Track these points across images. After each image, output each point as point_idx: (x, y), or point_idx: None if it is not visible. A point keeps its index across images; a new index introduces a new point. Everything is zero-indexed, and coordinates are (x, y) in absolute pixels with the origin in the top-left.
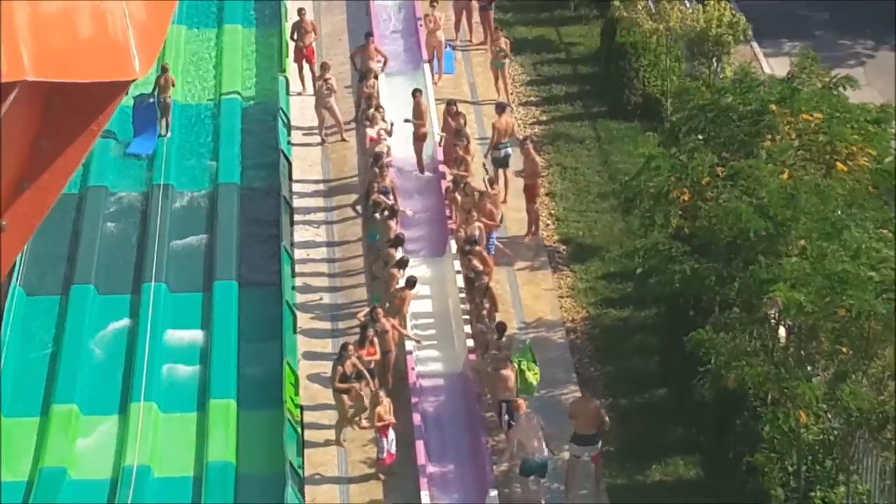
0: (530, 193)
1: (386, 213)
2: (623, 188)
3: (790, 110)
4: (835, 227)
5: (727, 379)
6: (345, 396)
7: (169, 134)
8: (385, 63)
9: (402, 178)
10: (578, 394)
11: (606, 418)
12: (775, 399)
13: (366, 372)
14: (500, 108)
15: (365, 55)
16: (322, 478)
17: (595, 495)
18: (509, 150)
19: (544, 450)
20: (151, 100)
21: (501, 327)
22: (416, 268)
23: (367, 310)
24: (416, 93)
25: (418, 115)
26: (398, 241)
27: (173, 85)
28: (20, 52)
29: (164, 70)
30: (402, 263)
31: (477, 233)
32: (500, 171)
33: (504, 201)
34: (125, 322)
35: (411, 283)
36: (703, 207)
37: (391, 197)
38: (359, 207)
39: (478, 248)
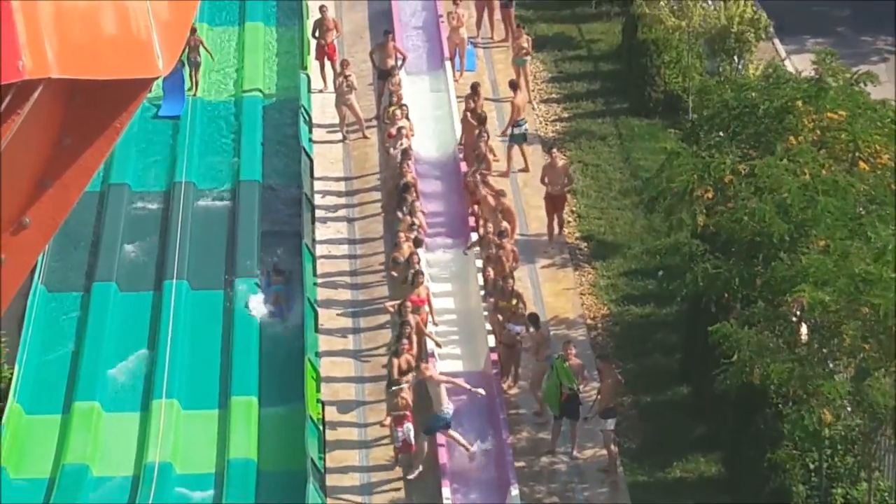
0: (561, 203)
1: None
2: (645, 185)
3: (815, 108)
4: (856, 226)
5: (751, 373)
6: (399, 393)
7: (198, 92)
8: (404, 61)
9: (424, 176)
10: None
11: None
12: (798, 396)
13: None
14: (514, 86)
15: (383, 53)
16: (344, 475)
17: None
18: (527, 126)
19: (450, 410)
20: (179, 62)
21: (534, 317)
22: (438, 265)
23: (396, 302)
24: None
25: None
26: (418, 242)
27: (202, 44)
28: (44, 49)
29: (192, 31)
30: (417, 243)
31: (505, 226)
32: (519, 148)
33: (526, 169)
34: (146, 320)
35: (414, 280)
36: (725, 207)
37: (413, 193)
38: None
39: (509, 245)
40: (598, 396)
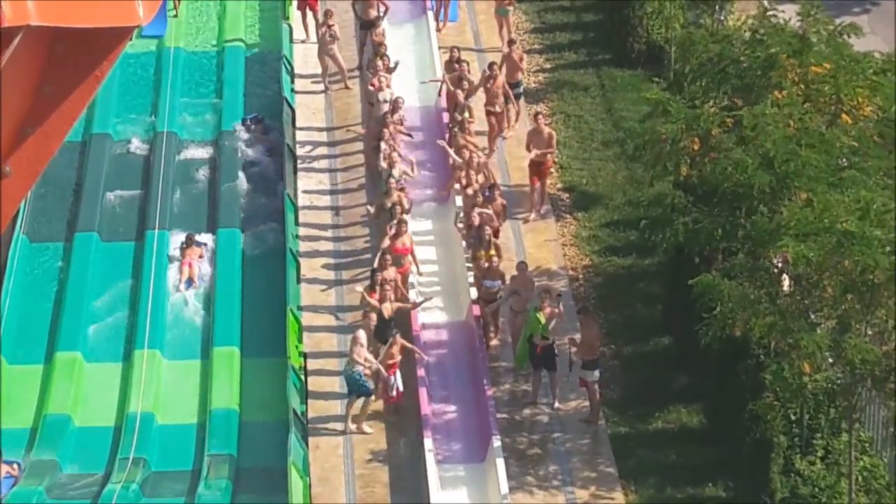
0: (546, 169)
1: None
2: (629, 135)
3: (799, 61)
4: (837, 179)
5: (733, 326)
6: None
7: (178, 14)
8: (386, 11)
9: (406, 126)
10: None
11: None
12: (780, 349)
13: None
14: (512, 42)
15: (366, 3)
16: (326, 425)
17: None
18: (523, 87)
19: (362, 370)
20: None
21: (523, 265)
22: (420, 218)
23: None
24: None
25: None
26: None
27: None
28: None
29: None
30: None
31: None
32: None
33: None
34: (128, 270)
35: (398, 229)
36: (709, 158)
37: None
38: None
39: (500, 199)
40: (577, 348)
